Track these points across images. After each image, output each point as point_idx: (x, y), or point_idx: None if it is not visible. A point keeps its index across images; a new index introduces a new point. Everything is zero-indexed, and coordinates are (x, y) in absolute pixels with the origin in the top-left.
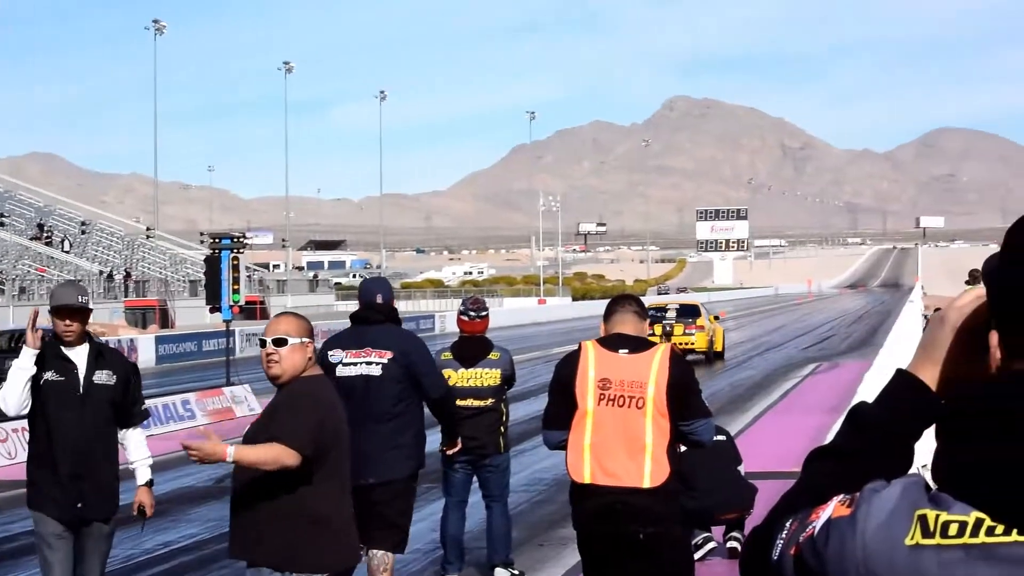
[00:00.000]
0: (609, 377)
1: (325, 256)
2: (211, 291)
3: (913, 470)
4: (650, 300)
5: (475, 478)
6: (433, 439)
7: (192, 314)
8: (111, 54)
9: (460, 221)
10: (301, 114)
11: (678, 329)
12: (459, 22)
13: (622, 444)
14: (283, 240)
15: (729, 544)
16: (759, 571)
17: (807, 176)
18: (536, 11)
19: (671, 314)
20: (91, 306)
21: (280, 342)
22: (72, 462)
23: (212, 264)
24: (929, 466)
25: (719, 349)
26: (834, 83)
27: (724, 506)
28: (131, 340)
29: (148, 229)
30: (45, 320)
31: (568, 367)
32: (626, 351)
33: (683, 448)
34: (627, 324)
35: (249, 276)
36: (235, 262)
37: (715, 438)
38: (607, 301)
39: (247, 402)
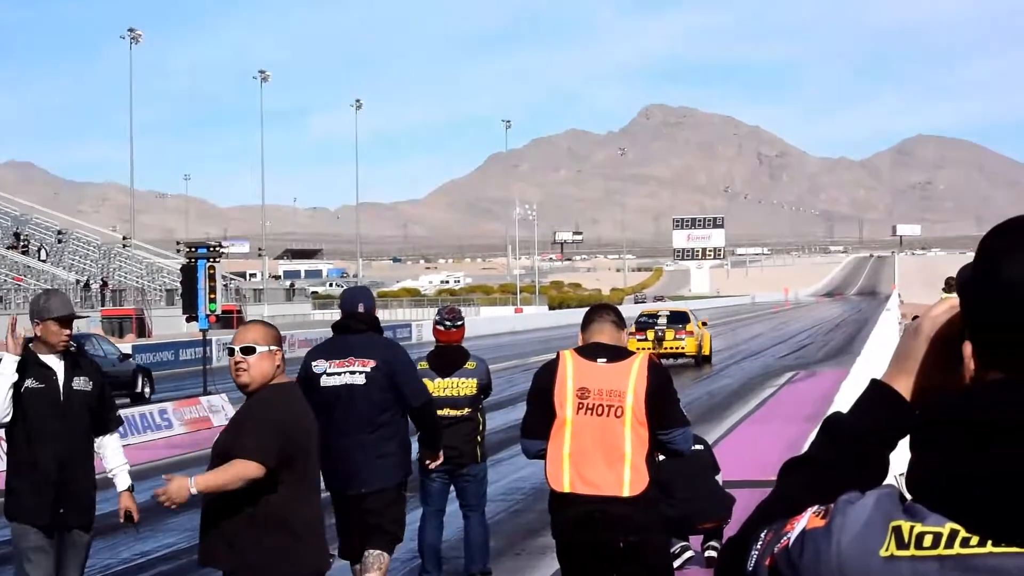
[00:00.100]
0: (588, 386)
1: (302, 265)
2: (188, 300)
3: (889, 478)
4: (643, 307)
5: (452, 487)
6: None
7: (169, 323)
8: (87, 63)
9: (437, 230)
10: (277, 123)
11: (669, 334)
12: (435, 31)
13: (601, 453)
14: (259, 249)
15: (707, 553)
16: None
17: (783, 184)
18: (512, 20)
19: (662, 320)
20: None
21: (248, 350)
22: (56, 469)
23: (188, 273)
24: (904, 475)
25: (707, 353)
26: (810, 92)
27: (702, 515)
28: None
29: (124, 238)
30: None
31: (546, 376)
32: (604, 360)
33: (661, 457)
34: (604, 333)
35: (225, 285)
36: (211, 271)
37: (693, 447)
38: (584, 310)
39: (224, 411)
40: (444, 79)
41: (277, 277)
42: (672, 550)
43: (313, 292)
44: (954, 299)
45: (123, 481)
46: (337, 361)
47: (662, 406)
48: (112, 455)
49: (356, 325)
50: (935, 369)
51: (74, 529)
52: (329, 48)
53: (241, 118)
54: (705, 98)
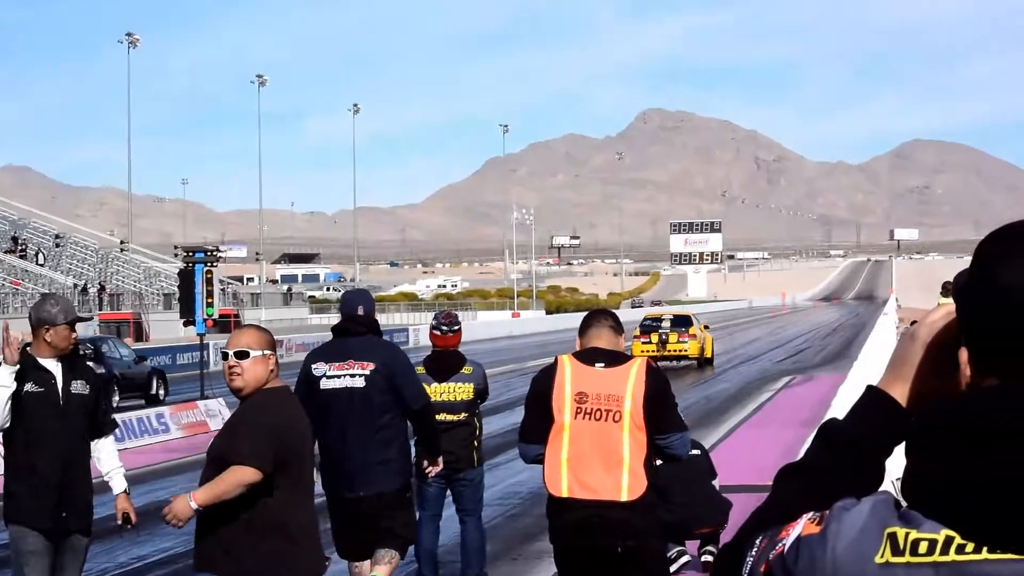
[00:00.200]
0: (586, 391)
1: (299, 269)
2: (185, 304)
3: (886, 482)
4: (647, 311)
5: (449, 492)
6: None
7: (166, 327)
8: (85, 67)
9: (434, 234)
10: (275, 127)
11: (672, 337)
12: (432, 35)
13: (599, 458)
14: (257, 253)
15: (703, 558)
16: None
17: (781, 189)
18: (509, 24)
19: (666, 324)
20: None
21: (242, 355)
22: (58, 473)
23: (186, 277)
24: (900, 481)
25: (709, 355)
26: (807, 95)
27: (699, 520)
28: None
29: (122, 242)
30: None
31: (544, 381)
32: (602, 365)
33: (659, 462)
34: (602, 338)
35: (223, 289)
36: (209, 275)
37: (690, 452)
38: (581, 314)
39: (221, 415)
40: (442, 83)
41: (274, 281)
42: (668, 555)
43: (310, 296)
44: (951, 305)
45: (119, 484)
46: (336, 364)
47: (660, 411)
48: (108, 458)
49: (355, 328)
50: (931, 375)
51: (73, 533)
52: (326, 52)
53: (239, 122)
54: (702, 102)
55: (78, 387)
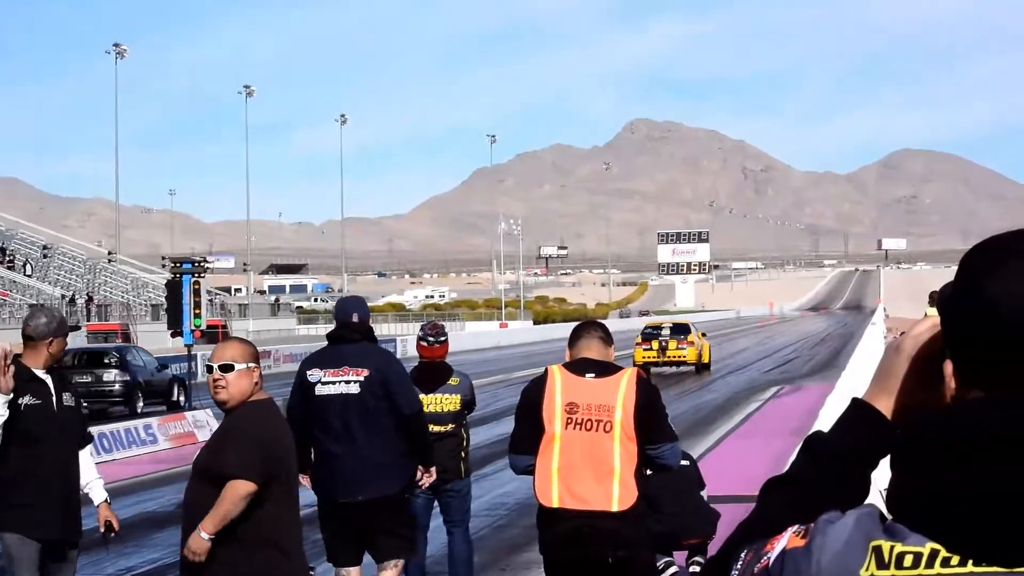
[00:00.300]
0: (576, 401)
1: (287, 280)
2: (173, 315)
3: (873, 492)
4: (648, 320)
5: (436, 503)
6: None
7: (154, 338)
8: (72, 78)
9: (422, 245)
10: (262, 138)
11: (672, 344)
12: (419, 45)
13: (590, 468)
14: (244, 264)
15: (691, 569)
16: None
17: (768, 198)
18: (495, 34)
19: (666, 332)
20: None
21: (227, 368)
22: (59, 483)
23: (173, 288)
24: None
25: (706, 361)
26: (795, 105)
27: (688, 531)
28: None
29: (110, 253)
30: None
31: (535, 391)
32: (593, 375)
33: (649, 472)
34: (592, 349)
35: (211, 300)
36: (196, 286)
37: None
38: (569, 325)
39: (209, 426)
40: (429, 93)
41: (262, 292)
42: (657, 565)
43: (298, 307)
44: (936, 317)
45: (100, 494)
46: (331, 371)
47: (651, 421)
48: (87, 468)
49: (350, 335)
50: (917, 387)
51: (70, 543)
52: (314, 63)
53: (226, 133)
54: (690, 112)
55: (68, 399)
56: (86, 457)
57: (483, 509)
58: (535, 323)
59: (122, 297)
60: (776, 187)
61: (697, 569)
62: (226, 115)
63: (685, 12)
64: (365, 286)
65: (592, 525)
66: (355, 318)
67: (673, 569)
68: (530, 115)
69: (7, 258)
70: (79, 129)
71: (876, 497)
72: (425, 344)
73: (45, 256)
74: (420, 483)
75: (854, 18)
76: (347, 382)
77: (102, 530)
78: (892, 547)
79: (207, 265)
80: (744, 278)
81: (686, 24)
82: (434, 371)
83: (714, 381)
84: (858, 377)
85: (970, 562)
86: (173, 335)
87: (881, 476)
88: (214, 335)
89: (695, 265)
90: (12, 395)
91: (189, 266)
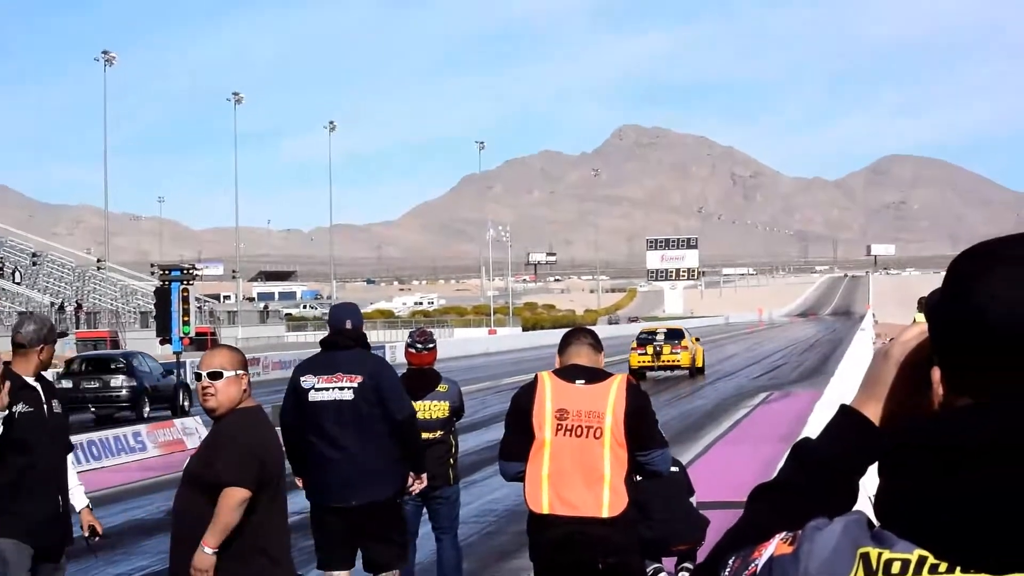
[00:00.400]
0: (566, 407)
1: (276, 287)
2: (161, 323)
3: (861, 498)
4: (643, 326)
5: (425, 510)
6: None
7: (143, 345)
8: (61, 85)
9: (410, 251)
10: (251, 145)
11: (666, 349)
12: (407, 52)
13: (580, 474)
14: (233, 271)
15: (680, 575)
16: None
17: (757, 204)
18: (484, 41)
19: (660, 337)
20: None
21: (215, 375)
22: (53, 490)
23: (162, 296)
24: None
25: (700, 365)
26: (783, 111)
27: (677, 537)
28: None
29: (99, 260)
30: None
31: (525, 398)
32: (583, 381)
33: (638, 478)
34: (582, 356)
35: (199, 307)
36: (185, 294)
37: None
38: (558, 331)
39: (198, 433)
40: (417, 100)
41: (251, 299)
42: (647, 571)
43: (287, 314)
44: (924, 324)
45: (81, 500)
46: (325, 377)
47: (641, 427)
48: (70, 475)
49: (344, 341)
50: (905, 394)
51: (63, 550)
52: (302, 70)
53: (215, 140)
54: (678, 118)
55: (56, 406)
56: (68, 464)
57: (472, 516)
58: (524, 330)
59: (111, 304)
60: (765, 193)
61: (686, 575)
62: (215, 122)
63: (674, 19)
64: (354, 293)
65: (582, 531)
66: (349, 325)
67: (663, 575)
68: (518, 122)
69: None
70: (68, 136)
71: (865, 504)
72: (413, 351)
73: (34, 264)
74: (411, 489)
75: (843, 24)
76: (341, 388)
77: (86, 535)
78: (880, 554)
79: (196, 272)
80: (733, 284)
81: (675, 31)
82: (422, 378)
83: (703, 387)
84: (847, 383)
85: (958, 569)
86: (162, 342)
87: (870, 483)
88: (203, 342)
89: (684, 271)
90: (7, 408)
91: (178, 273)
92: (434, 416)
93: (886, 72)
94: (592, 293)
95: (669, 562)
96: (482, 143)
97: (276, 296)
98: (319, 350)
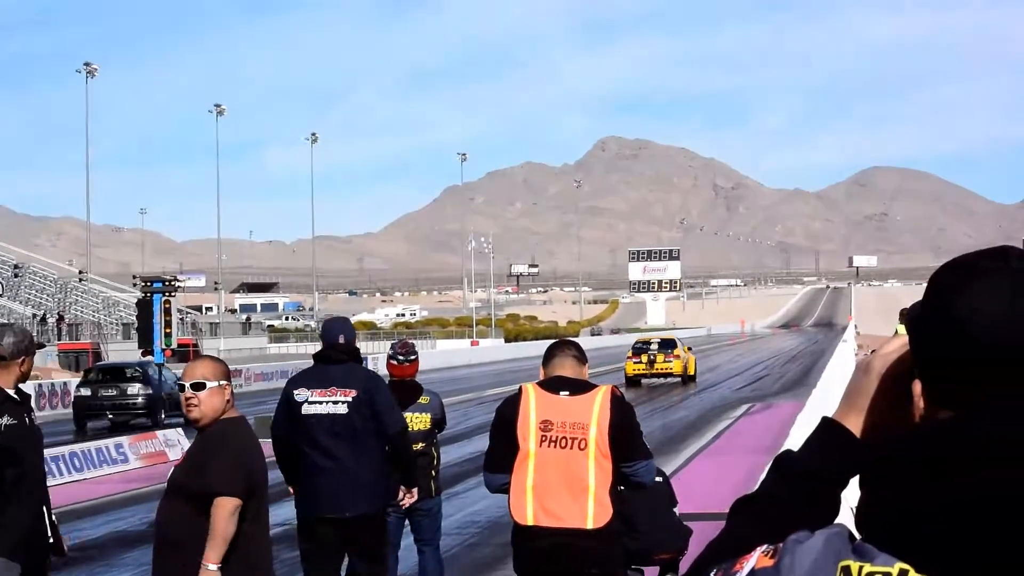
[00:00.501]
0: (551, 419)
1: (258, 298)
2: (143, 334)
3: (844, 509)
4: (638, 336)
5: (407, 522)
6: None
7: (125, 357)
8: (42, 96)
9: (392, 263)
10: (233, 156)
11: (659, 358)
12: (389, 64)
13: (564, 485)
14: (215, 283)
15: None
16: None
17: (739, 216)
18: (465, 53)
19: (654, 346)
20: None
21: (199, 386)
22: (37, 503)
23: (144, 307)
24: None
25: (692, 373)
26: (765, 123)
27: (660, 547)
28: (64, 383)
29: (81, 272)
30: None
31: (509, 409)
32: (567, 393)
33: (622, 488)
34: (566, 368)
35: (181, 319)
36: (167, 305)
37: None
38: (541, 343)
39: (180, 445)
40: (399, 112)
41: (233, 311)
42: None
43: (269, 326)
44: (905, 336)
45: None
46: (319, 390)
47: (625, 438)
48: None
49: (337, 355)
50: (886, 406)
51: (44, 562)
52: (284, 82)
53: (197, 151)
54: (660, 130)
55: (35, 416)
56: None
57: (454, 528)
58: (506, 341)
59: (93, 316)
60: (747, 205)
61: None
62: (197, 134)
63: (655, 31)
64: (336, 304)
65: (567, 543)
66: (342, 339)
67: None
68: (500, 133)
69: None
70: (49, 148)
71: (847, 516)
72: (395, 363)
73: (16, 275)
74: (402, 503)
75: (824, 37)
76: (335, 402)
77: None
78: (861, 567)
79: (178, 284)
80: (715, 295)
81: (656, 43)
82: (404, 390)
83: (686, 398)
84: (829, 395)
85: None
86: (144, 354)
87: (852, 495)
88: (185, 354)
89: (666, 283)
90: None
91: (160, 285)
92: (416, 428)
93: (867, 84)
94: (575, 305)
95: (651, 572)
96: (464, 155)
97: (258, 308)
98: (308, 363)
